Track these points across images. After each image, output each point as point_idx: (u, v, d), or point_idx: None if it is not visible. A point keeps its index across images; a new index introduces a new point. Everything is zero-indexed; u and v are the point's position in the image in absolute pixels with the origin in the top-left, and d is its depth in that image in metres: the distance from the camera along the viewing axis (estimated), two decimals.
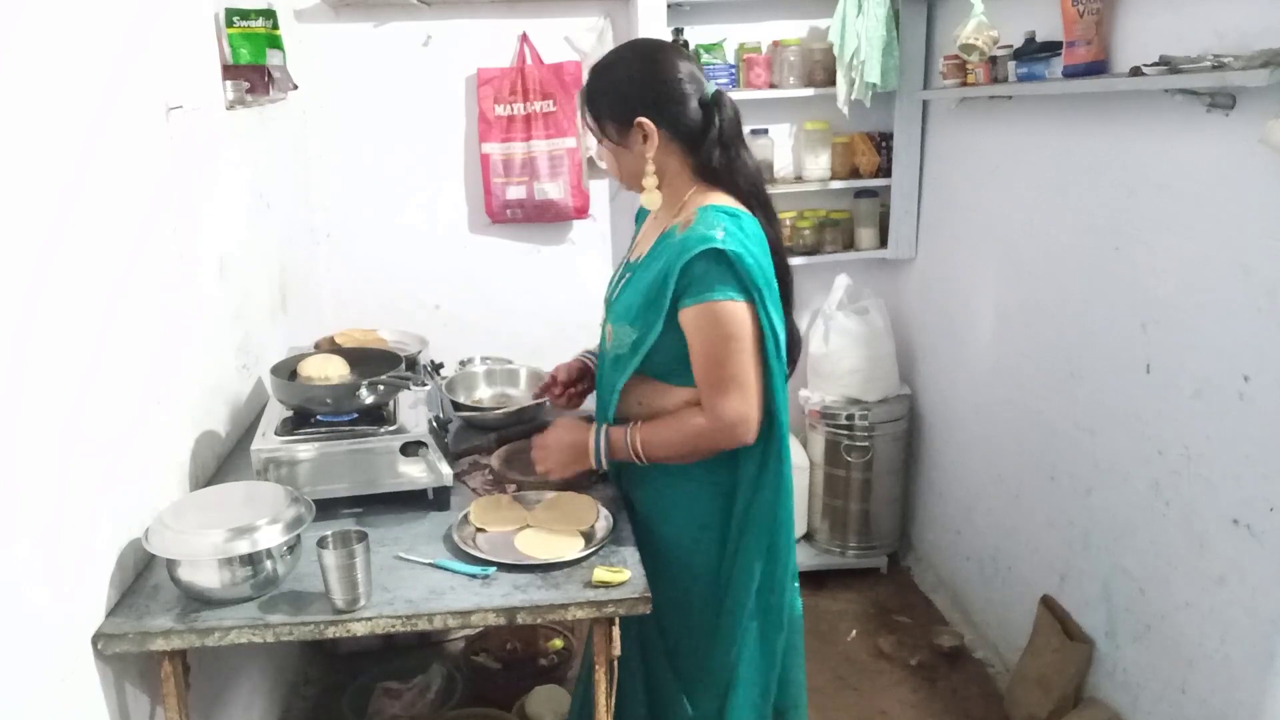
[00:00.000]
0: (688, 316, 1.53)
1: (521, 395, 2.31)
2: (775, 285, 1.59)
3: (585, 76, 1.69)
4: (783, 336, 1.61)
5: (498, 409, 2.20)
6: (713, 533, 1.68)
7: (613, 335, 1.67)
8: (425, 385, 1.81)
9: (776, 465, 1.63)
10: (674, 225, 1.59)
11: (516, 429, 2.12)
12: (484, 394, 2.34)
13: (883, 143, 3.12)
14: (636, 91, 1.57)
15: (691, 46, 2.99)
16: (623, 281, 1.71)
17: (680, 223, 1.57)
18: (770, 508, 1.65)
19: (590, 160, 3.08)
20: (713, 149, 1.59)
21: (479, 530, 1.65)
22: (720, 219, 1.53)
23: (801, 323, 3.37)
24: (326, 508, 1.66)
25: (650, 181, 1.60)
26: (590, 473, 1.86)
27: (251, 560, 1.40)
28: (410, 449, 1.70)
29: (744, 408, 1.55)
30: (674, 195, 1.64)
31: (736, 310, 1.51)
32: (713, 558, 1.69)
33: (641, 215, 1.89)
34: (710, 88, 1.61)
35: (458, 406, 2.20)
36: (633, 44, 1.70)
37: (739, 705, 1.71)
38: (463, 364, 2.56)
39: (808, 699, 1.87)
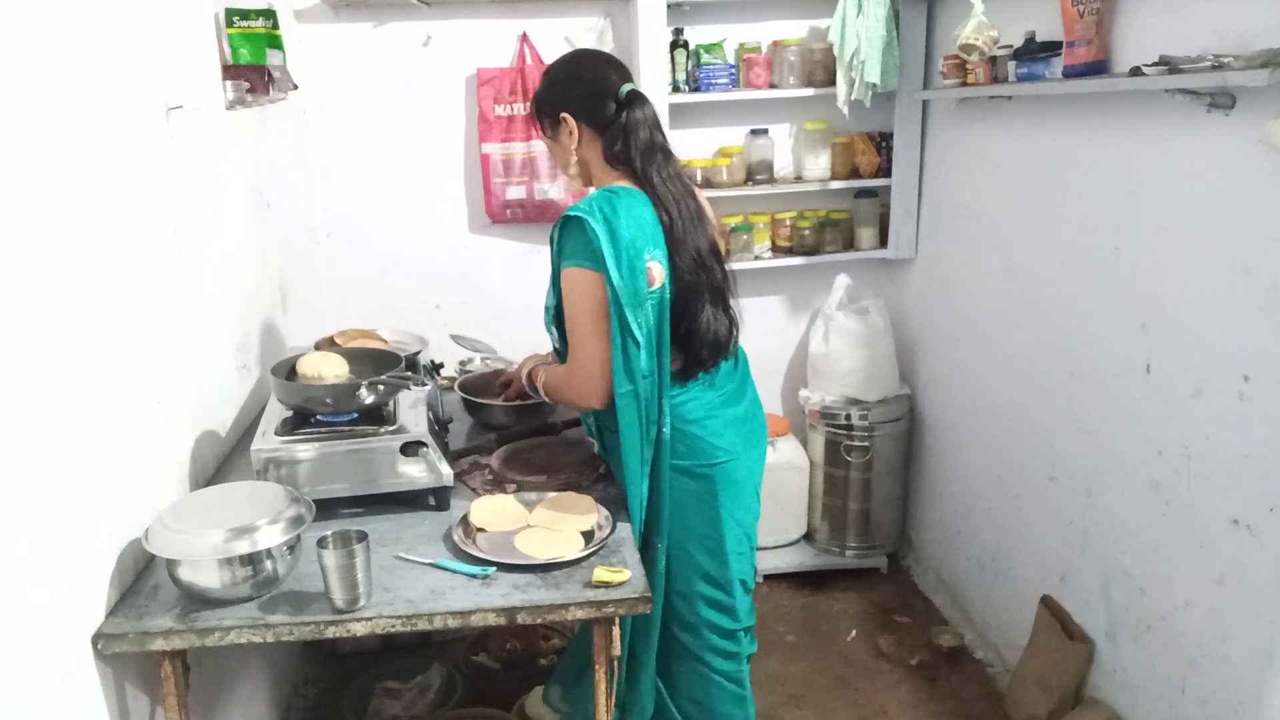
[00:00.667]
0: (560, 281, 1.74)
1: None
2: (642, 258, 1.67)
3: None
4: (650, 306, 1.70)
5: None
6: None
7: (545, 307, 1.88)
8: (425, 385, 1.81)
9: (624, 453, 1.75)
10: None
11: (518, 429, 2.12)
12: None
13: (883, 143, 3.12)
14: (562, 91, 1.81)
15: (691, 46, 2.99)
16: None
17: None
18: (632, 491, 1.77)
19: None
20: (615, 138, 1.77)
21: (479, 530, 1.65)
22: (596, 195, 1.72)
23: (801, 323, 3.37)
24: (326, 508, 1.66)
25: (572, 170, 1.84)
26: (591, 472, 1.88)
27: (251, 560, 1.40)
28: (410, 449, 1.70)
29: (580, 372, 1.73)
30: (597, 183, 1.84)
31: (579, 276, 1.68)
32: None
33: None
34: (625, 88, 1.77)
35: (469, 405, 2.21)
36: (570, 53, 1.92)
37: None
38: (463, 364, 2.57)
39: (807, 695, 1.90)
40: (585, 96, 1.78)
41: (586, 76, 1.80)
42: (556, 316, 1.79)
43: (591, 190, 1.79)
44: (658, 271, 1.69)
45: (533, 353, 2.12)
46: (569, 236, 1.69)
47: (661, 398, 1.74)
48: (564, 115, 1.78)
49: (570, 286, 1.69)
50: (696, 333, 1.77)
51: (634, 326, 1.66)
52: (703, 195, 1.92)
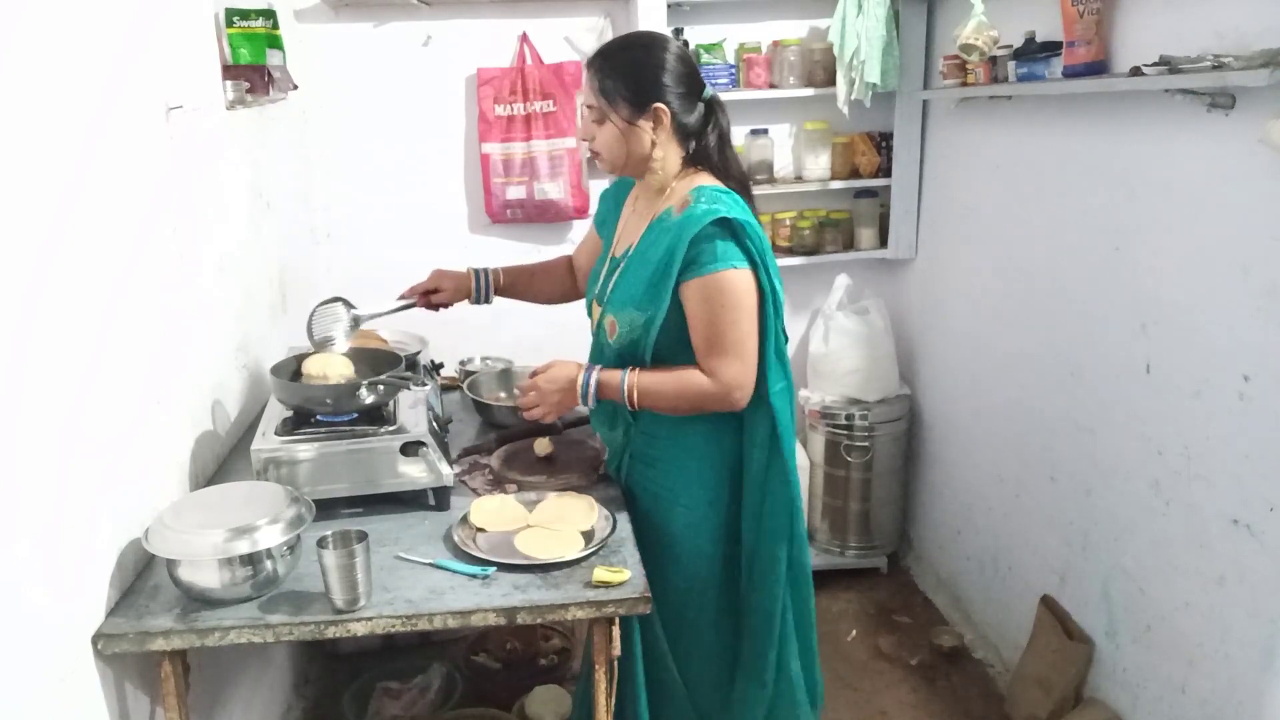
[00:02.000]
0: (692, 290, 1.61)
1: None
2: (773, 254, 1.69)
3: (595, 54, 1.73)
4: (783, 299, 1.70)
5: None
6: (719, 508, 1.75)
7: (616, 326, 1.71)
8: (425, 385, 1.81)
9: (784, 447, 1.70)
10: (667, 209, 1.67)
11: (519, 429, 2.12)
12: (502, 394, 2.34)
13: (883, 143, 3.12)
14: (660, 78, 1.65)
15: (691, 46, 2.99)
16: (616, 274, 1.75)
17: (675, 205, 1.66)
18: (785, 492, 1.72)
19: (590, 160, 3.07)
20: (712, 141, 1.71)
21: (479, 530, 1.65)
22: (719, 195, 1.64)
23: (801, 323, 3.37)
24: (326, 508, 1.66)
25: (658, 164, 1.69)
26: (591, 472, 1.87)
27: (251, 560, 1.40)
28: (410, 449, 1.70)
29: (743, 375, 1.62)
30: (651, 176, 1.73)
31: (741, 278, 1.60)
32: (719, 537, 1.76)
33: (604, 209, 1.94)
34: (709, 90, 1.71)
35: (477, 405, 2.21)
36: (652, 34, 1.79)
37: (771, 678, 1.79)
38: (463, 364, 2.57)
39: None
40: (687, 92, 1.67)
41: (690, 69, 1.69)
42: (668, 327, 1.65)
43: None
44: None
45: (554, 359, 1.85)
46: (718, 239, 1.58)
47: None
48: (658, 105, 1.65)
49: (729, 288, 1.59)
50: None
51: (783, 321, 1.69)
52: None
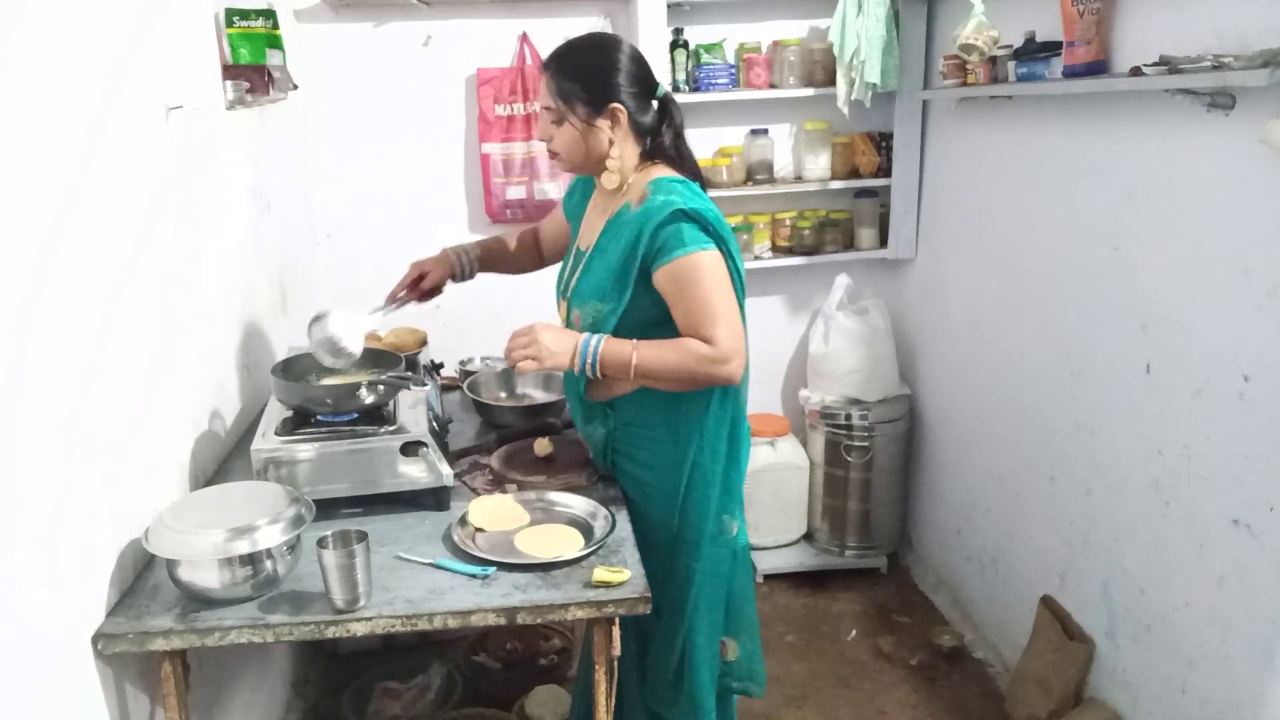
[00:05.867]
0: (666, 275, 1.64)
1: (543, 395, 2.31)
2: (734, 236, 1.73)
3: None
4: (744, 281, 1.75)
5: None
6: (680, 469, 1.78)
7: (580, 318, 1.76)
8: (425, 385, 1.81)
9: (736, 393, 1.77)
10: (625, 204, 1.73)
11: (519, 429, 2.12)
12: (503, 394, 2.34)
13: (883, 143, 3.12)
14: (616, 79, 1.70)
15: (691, 46, 2.99)
16: (579, 268, 1.81)
17: (633, 200, 1.72)
18: (735, 430, 1.77)
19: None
20: (668, 139, 1.76)
21: (479, 530, 1.65)
22: (674, 186, 1.69)
23: (801, 323, 3.38)
24: (326, 508, 1.66)
25: (614, 163, 1.73)
26: (591, 472, 1.87)
27: (251, 560, 1.40)
28: (410, 449, 1.70)
29: (736, 343, 1.65)
30: (613, 171, 1.75)
31: (712, 257, 1.64)
32: (677, 493, 1.79)
33: (575, 198, 1.98)
34: (661, 88, 1.76)
35: (478, 405, 2.21)
36: (604, 35, 1.84)
37: (699, 642, 1.81)
38: (463, 364, 2.57)
39: (807, 695, 1.89)
40: (641, 92, 1.73)
41: (645, 70, 1.74)
42: (625, 316, 1.69)
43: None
44: None
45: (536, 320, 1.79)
46: (680, 227, 1.63)
47: None
48: (615, 105, 1.69)
49: (704, 268, 1.63)
50: None
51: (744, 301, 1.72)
52: None
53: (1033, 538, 2.53)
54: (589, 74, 1.70)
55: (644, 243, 1.64)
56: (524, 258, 2.14)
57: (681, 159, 1.78)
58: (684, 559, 1.79)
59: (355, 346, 1.79)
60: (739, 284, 1.70)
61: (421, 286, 1.98)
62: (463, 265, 2.02)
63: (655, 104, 1.75)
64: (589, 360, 1.66)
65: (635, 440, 1.80)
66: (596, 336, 1.67)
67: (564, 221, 2.03)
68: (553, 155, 1.79)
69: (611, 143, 1.72)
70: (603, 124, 1.71)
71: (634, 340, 1.67)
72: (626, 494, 1.82)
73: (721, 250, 1.66)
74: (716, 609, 1.85)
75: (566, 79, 1.70)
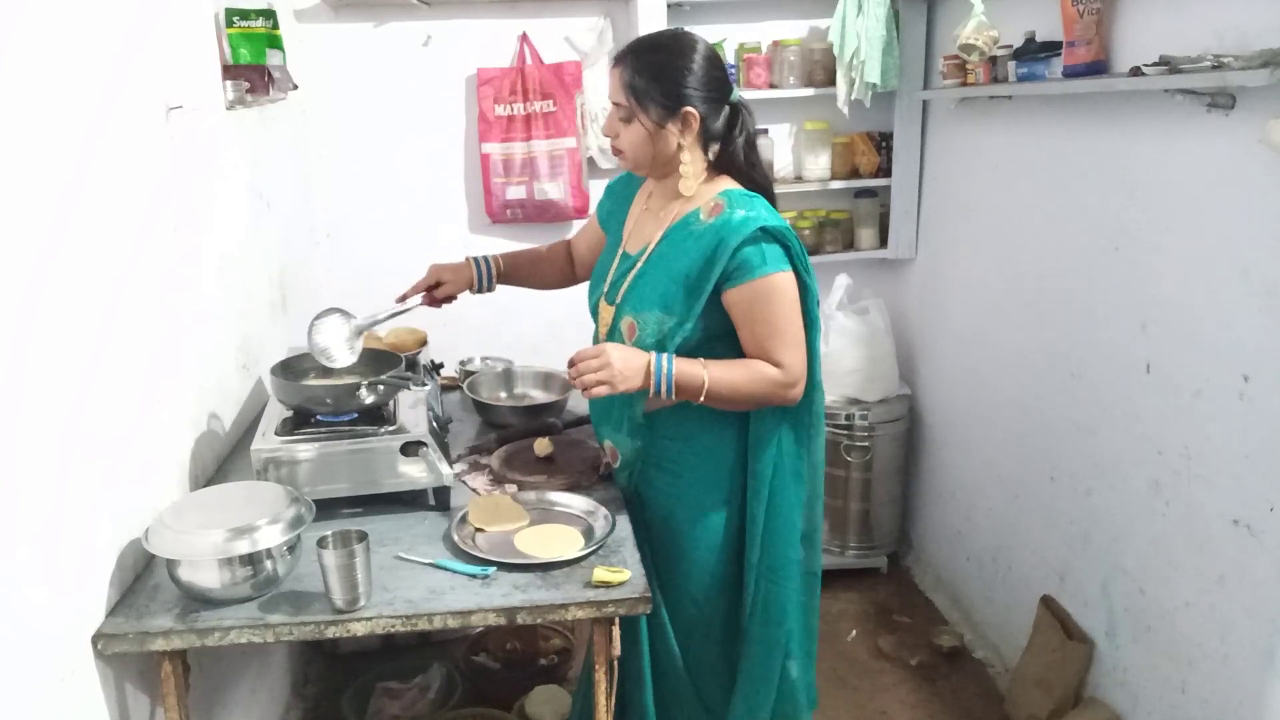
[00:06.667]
0: (740, 294, 1.61)
1: (543, 395, 2.31)
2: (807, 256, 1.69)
3: (627, 50, 1.68)
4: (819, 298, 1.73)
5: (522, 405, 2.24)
6: (732, 509, 1.74)
7: (636, 328, 1.68)
8: (425, 385, 1.81)
9: (816, 419, 1.73)
10: (692, 212, 1.66)
11: (519, 429, 2.12)
12: (503, 394, 2.34)
13: (883, 143, 3.12)
14: (693, 82, 1.63)
15: None
16: (631, 274, 1.72)
17: (703, 209, 1.65)
18: (812, 457, 1.74)
19: (590, 160, 3.08)
20: (739, 146, 1.69)
21: (479, 530, 1.65)
22: (751, 201, 1.64)
23: None
24: (326, 508, 1.66)
25: (687, 168, 1.67)
26: (591, 472, 1.87)
27: (251, 560, 1.40)
28: (410, 449, 1.70)
29: (803, 367, 1.64)
30: (672, 178, 1.70)
31: (787, 279, 1.61)
32: (732, 536, 1.75)
33: (610, 203, 1.91)
34: (735, 94, 1.69)
35: (479, 405, 2.21)
36: (682, 33, 1.72)
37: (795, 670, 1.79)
38: (463, 364, 2.57)
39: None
40: (718, 99, 1.66)
41: (722, 75, 1.67)
42: (708, 333, 1.65)
43: (689, 183, 1.67)
44: None
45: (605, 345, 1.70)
46: (761, 246, 1.59)
47: None
48: (688, 110, 1.62)
49: (779, 290, 1.60)
50: None
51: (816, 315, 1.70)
52: None
53: (1033, 538, 2.53)
54: (666, 74, 1.62)
55: (723, 258, 1.58)
56: (554, 273, 2.08)
57: (752, 170, 1.71)
58: (765, 584, 1.75)
59: (343, 359, 1.79)
60: (814, 302, 1.67)
61: (435, 294, 1.95)
62: (482, 278, 1.96)
63: (727, 109, 1.68)
64: (664, 382, 1.59)
65: (673, 454, 1.75)
66: (666, 356, 1.61)
67: (599, 233, 1.95)
68: (617, 153, 1.72)
69: (680, 147, 1.65)
70: (673, 127, 1.64)
71: (702, 360, 1.62)
72: (648, 504, 1.78)
73: (796, 269, 1.62)
74: (812, 637, 1.84)
75: (641, 76, 1.63)
